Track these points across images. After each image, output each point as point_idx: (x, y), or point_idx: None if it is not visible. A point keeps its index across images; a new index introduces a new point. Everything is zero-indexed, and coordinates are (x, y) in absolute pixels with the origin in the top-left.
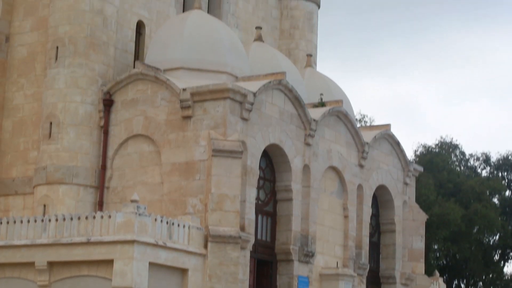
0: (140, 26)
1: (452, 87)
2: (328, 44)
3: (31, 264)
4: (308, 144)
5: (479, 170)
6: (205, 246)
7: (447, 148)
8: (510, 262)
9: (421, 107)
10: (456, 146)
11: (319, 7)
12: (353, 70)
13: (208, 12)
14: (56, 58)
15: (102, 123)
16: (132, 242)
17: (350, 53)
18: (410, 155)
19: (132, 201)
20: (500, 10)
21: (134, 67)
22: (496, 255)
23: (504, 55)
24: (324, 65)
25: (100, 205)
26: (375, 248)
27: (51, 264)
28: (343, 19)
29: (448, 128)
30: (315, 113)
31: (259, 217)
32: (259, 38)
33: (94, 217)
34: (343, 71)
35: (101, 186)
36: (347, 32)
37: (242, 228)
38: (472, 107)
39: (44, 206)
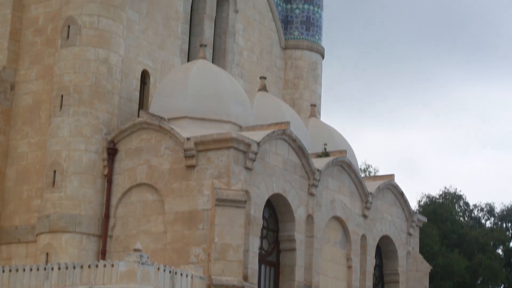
0: (144, 75)
1: (454, 138)
2: (331, 94)
3: None
4: (311, 194)
5: (483, 221)
6: None
7: (451, 199)
8: None
9: (424, 157)
10: (460, 197)
11: (323, 57)
12: (356, 120)
13: (212, 62)
14: (61, 107)
15: (106, 171)
16: None
17: (353, 103)
18: (413, 205)
19: (135, 250)
20: (502, 63)
21: (138, 116)
22: None
23: (505, 106)
24: (328, 115)
25: (103, 254)
26: None
27: None
28: (345, 69)
29: (451, 178)
30: (319, 163)
31: (262, 267)
32: (263, 88)
33: (97, 266)
34: (347, 121)
35: (104, 234)
36: (349, 82)
37: (245, 278)
38: (475, 157)
39: (47, 254)
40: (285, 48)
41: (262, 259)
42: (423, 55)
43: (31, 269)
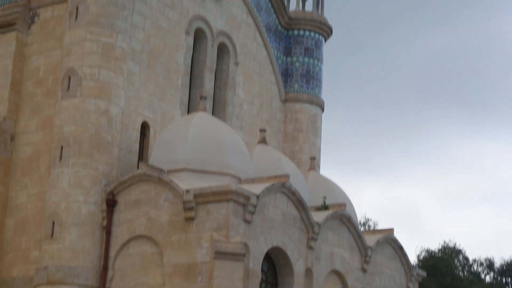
0: (144, 127)
1: (453, 192)
2: (330, 147)
3: None
4: (310, 248)
5: (482, 276)
6: None
7: (450, 253)
8: None
9: (423, 211)
10: (459, 251)
11: (323, 110)
12: (356, 173)
13: (212, 114)
14: (61, 158)
15: (104, 223)
16: None
17: (352, 156)
18: (413, 259)
19: None
20: (498, 118)
21: (138, 167)
22: None
23: (502, 161)
24: (328, 167)
25: None
26: None
27: None
28: (345, 122)
29: (451, 232)
30: (318, 216)
31: None
32: (263, 141)
33: None
34: (346, 173)
35: (102, 287)
36: (349, 135)
37: None
38: (474, 211)
39: None
40: (285, 101)
41: None
42: (421, 109)
43: None
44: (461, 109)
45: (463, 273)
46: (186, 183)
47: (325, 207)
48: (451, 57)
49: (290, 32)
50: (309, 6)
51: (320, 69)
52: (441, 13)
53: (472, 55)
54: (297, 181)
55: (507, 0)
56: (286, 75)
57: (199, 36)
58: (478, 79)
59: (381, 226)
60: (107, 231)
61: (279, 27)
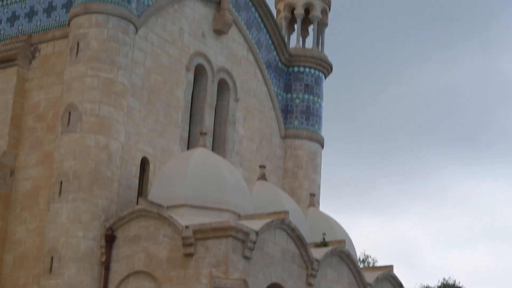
0: (144, 163)
1: (450, 229)
2: (329, 181)
3: None
4: (310, 284)
5: None
6: None
7: None
8: None
9: (422, 248)
10: None
11: (323, 147)
12: (354, 208)
13: (212, 150)
14: (60, 193)
15: (103, 258)
16: None
17: (351, 192)
18: None
19: None
20: (494, 155)
21: (137, 203)
22: None
23: (498, 198)
24: (327, 203)
25: None
26: None
27: None
28: (343, 158)
29: (450, 269)
30: (318, 253)
31: None
32: (262, 177)
33: None
34: (345, 209)
35: None
36: (347, 171)
37: None
38: (472, 249)
39: None
40: (285, 137)
41: None
42: (418, 146)
43: None
44: (458, 146)
45: None
46: (186, 219)
47: (324, 244)
48: (448, 95)
49: (290, 69)
50: (309, 43)
51: (320, 106)
52: (440, 52)
53: (469, 93)
54: (297, 218)
55: (504, 41)
56: (286, 112)
57: (199, 72)
58: (475, 117)
59: (380, 262)
60: (106, 266)
61: (280, 64)
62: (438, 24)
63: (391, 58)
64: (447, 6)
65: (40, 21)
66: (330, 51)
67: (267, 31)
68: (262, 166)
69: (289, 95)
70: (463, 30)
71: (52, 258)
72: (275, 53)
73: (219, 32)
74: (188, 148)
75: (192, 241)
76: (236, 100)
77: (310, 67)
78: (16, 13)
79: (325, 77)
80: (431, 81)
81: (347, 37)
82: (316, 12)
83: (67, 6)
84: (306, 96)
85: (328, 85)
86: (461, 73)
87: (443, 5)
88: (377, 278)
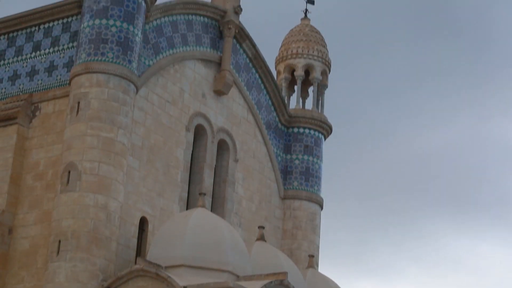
0: (143, 222)
1: None
2: (328, 244)
3: None
4: None
5: None
6: None
7: None
8: None
9: None
10: None
11: (322, 208)
12: (352, 270)
13: (211, 210)
14: (58, 252)
15: None
16: None
17: (348, 252)
18: None
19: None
20: (490, 217)
21: (135, 263)
22: None
23: (494, 261)
24: (326, 264)
25: None
26: None
27: None
28: (341, 219)
29: None
30: None
31: None
32: (261, 238)
33: None
34: (343, 271)
35: None
36: (345, 232)
37: None
38: None
39: None
40: (284, 198)
41: None
42: (414, 206)
43: None
44: (454, 207)
45: None
46: (184, 279)
47: None
48: (442, 156)
49: (290, 130)
50: (309, 105)
51: (320, 167)
52: (432, 114)
53: (463, 155)
54: (296, 279)
55: (495, 102)
56: (286, 172)
57: (199, 133)
58: (470, 178)
59: None
60: None
61: (279, 125)
62: (430, 87)
63: (385, 119)
64: (438, 69)
65: (41, 80)
66: (329, 112)
67: (267, 92)
68: (261, 227)
69: (288, 156)
70: (454, 91)
71: None
72: (275, 114)
73: (219, 92)
74: (187, 208)
75: None
76: (236, 160)
77: (310, 128)
78: (18, 72)
79: (325, 139)
80: (424, 142)
81: (345, 98)
82: (316, 74)
83: (68, 65)
84: (305, 157)
85: (327, 145)
86: (453, 134)
87: (434, 69)
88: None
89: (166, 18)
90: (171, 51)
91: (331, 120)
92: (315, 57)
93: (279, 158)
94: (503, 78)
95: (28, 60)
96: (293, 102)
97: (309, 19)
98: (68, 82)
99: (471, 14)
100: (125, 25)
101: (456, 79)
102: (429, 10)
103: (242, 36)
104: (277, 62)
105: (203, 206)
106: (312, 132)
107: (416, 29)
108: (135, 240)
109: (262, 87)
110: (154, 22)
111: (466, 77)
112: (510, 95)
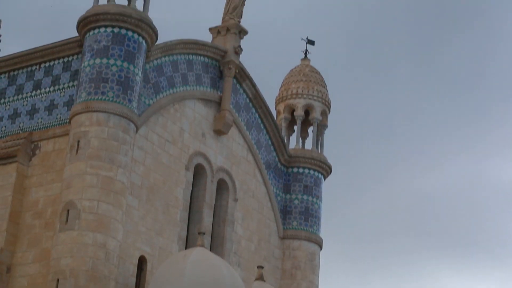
0: (142, 261)
1: None
2: (327, 284)
3: None
4: None
5: None
6: None
7: None
8: None
9: None
10: None
11: (321, 248)
12: None
13: (210, 249)
14: None
15: None
16: None
17: None
18: None
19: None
20: (488, 258)
21: None
22: None
23: None
24: None
25: None
26: None
27: None
28: (340, 259)
29: None
30: None
31: None
32: (260, 278)
33: None
34: None
35: None
36: (342, 271)
37: None
38: None
39: None
40: (283, 238)
41: None
42: (412, 248)
43: None
44: (451, 249)
45: None
46: None
47: None
48: (444, 197)
49: (290, 170)
50: (308, 145)
51: (319, 207)
52: (433, 157)
53: (458, 196)
54: None
55: (487, 143)
56: (285, 212)
57: (199, 172)
58: (470, 219)
59: None
60: None
61: (279, 164)
62: (427, 128)
63: (385, 159)
64: (435, 110)
65: (41, 118)
66: (329, 152)
67: (267, 132)
68: (260, 267)
69: (288, 196)
70: (451, 131)
71: None
72: (274, 153)
73: (219, 132)
74: (186, 247)
75: None
76: (235, 200)
77: (309, 168)
78: (18, 110)
79: (325, 179)
80: (423, 183)
81: (344, 138)
82: (316, 114)
83: (69, 104)
84: (305, 197)
85: (326, 185)
86: (451, 175)
87: (431, 111)
88: None
89: (167, 58)
90: (171, 91)
91: (330, 160)
92: (315, 97)
93: (279, 198)
94: (497, 118)
95: (29, 98)
96: (293, 142)
97: (309, 60)
98: (68, 120)
99: (464, 61)
100: (125, 64)
101: (453, 120)
102: (424, 53)
103: (242, 76)
104: (277, 102)
105: (202, 245)
106: (311, 172)
107: (413, 71)
108: (133, 280)
109: (262, 127)
110: (155, 62)
111: (462, 118)
112: (504, 135)
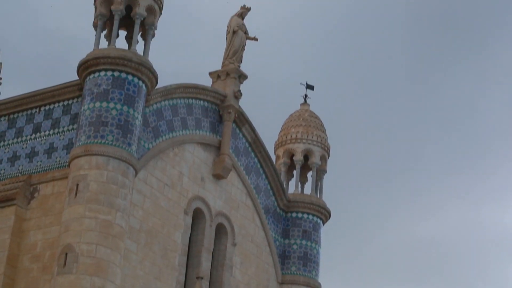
0: None
1: None
2: None
3: None
4: None
5: None
6: None
7: None
8: None
9: None
10: None
11: None
12: None
13: None
14: None
15: None
16: None
17: None
18: None
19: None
20: None
21: None
22: None
23: None
24: None
25: None
26: None
27: None
28: None
29: None
30: None
31: None
32: None
33: None
34: None
35: None
36: None
37: None
38: None
39: None
40: (281, 283)
41: None
42: None
43: None
44: None
45: None
46: None
47: None
48: (442, 243)
49: (289, 214)
50: (308, 189)
51: (318, 252)
52: (432, 203)
53: (463, 242)
54: None
55: (485, 190)
56: (284, 257)
57: (197, 216)
58: (468, 265)
59: None
60: None
61: (278, 209)
62: (425, 172)
63: (383, 205)
64: (432, 155)
65: (41, 161)
66: (328, 197)
67: (266, 176)
68: None
69: (287, 241)
70: (447, 176)
71: None
72: (273, 198)
73: (218, 176)
74: None
75: None
76: (234, 244)
77: (308, 213)
78: (17, 153)
79: (323, 224)
80: (421, 229)
81: (343, 183)
82: (315, 159)
83: (68, 147)
84: (304, 242)
85: (325, 230)
86: (448, 220)
87: (429, 156)
88: None
89: (166, 102)
90: (170, 135)
91: (329, 205)
92: (314, 142)
93: (277, 243)
94: (495, 164)
95: (28, 141)
96: (292, 186)
97: (308, 105)
98: (67, 164)
99: (461, 106)
100: (125, 108)
101: (452, 165)
102: (422, 98)
103: (241, 120)
104: (277, 146)
105: None
106: (310, 217)
107: (412, 116)
108: None
109: (261, 171)
110: (154, 106)
111: (460, 163)
112: (502, 182)
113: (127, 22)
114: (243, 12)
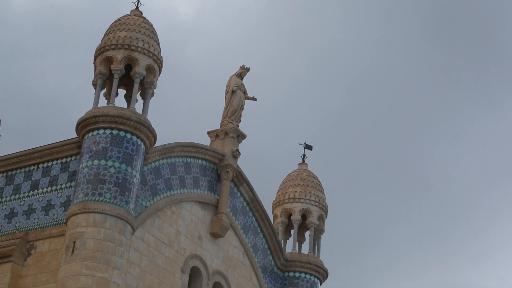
0: None
1: None
2: None
3: None
4: None
5: None
6: None
7: None
8: None
9: None
10: None
11: None
12: None
13: None
14: None
15: None
16: None
17: None
18: None
19: None
20: None
21: None
22: None
23: None
24: None
25: None
26: None
27: None
28: None
29: None
30: None
31: None
32: None
33: None
34: None
35: None
36: None
37: None
38: None
39: None
40: None
41: None
42: None
43: None
44: None
45: None
46: None
47: None
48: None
49: (286, 274)
50: (305, 249)
51: None
52: (420, 263)
53: None
54: None
55: (465, 254)
56: None
57: (194, 275)
58: None
59: None
60: None
61: (275, 268)
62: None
63: (379, 264)
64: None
65: (38, 218)
66: (326, 256)
67: (264, 235)
68: None
69: None
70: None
71: None
72: (271, 257)
73: (215, 235)
74: None
75: None
76: None
77: (306, 273)
78: (15, 210)
79: (321, 283)
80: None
81: (341, 242)
82: (313, 219)
83: (66, 204)
84: None
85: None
86: (433, 282)
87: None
88: None
89: (165, 160)
90: (168, 193)
91: (327, 265)
92: (312, 202)
93: None
94: (473, 230)
95: (26, 198)
96: (290, 246)
97: (306, 164)
98: (64, 221)
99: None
100: (123, 166)
101: (437, 229)
102: (415, 160)
103: (239, 179)
104: (274, 206)
105: None
106: (308, 276)
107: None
108: None
109: (259, 230)
110: (153, 164)
111: (445, 227)
112: (479, 248)
113: (126, 81)
114: (242, 72)
